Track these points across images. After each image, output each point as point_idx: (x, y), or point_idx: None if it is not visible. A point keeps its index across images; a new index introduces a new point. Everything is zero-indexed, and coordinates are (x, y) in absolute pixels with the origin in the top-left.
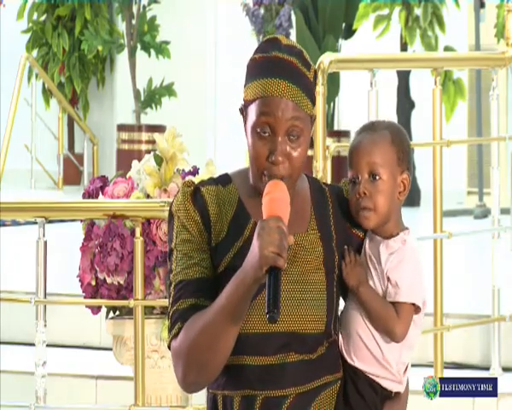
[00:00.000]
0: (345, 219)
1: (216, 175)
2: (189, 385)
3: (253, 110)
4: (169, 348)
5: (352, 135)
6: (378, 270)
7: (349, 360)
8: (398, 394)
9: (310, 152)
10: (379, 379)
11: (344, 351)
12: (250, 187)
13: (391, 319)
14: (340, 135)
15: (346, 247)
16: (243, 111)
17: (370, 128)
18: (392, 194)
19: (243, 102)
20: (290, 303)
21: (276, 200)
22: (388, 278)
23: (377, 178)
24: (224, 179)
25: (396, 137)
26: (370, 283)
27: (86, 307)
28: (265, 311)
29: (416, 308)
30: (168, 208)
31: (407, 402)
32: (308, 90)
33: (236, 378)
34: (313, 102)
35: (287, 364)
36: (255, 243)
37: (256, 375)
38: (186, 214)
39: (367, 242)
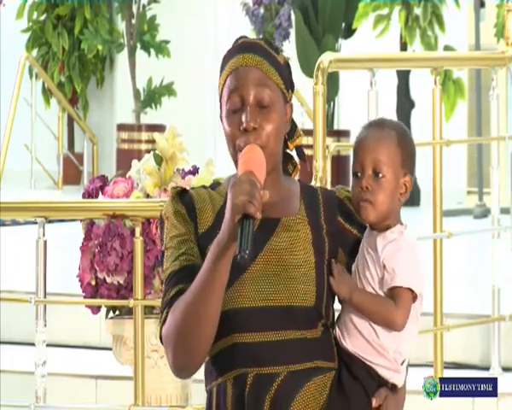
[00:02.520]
0: (336, 214)
1: (215, 174)
2: (179, 369)
3: (224, 94)
4: (160, 339)
5: (352, 135)
6: (375, 259)
7: (345, 345)
8: (395, 387)
9: (310, 152)
10: (376, 367)
11: (340, 339)
12: None
13: (389, 311)
14: (340, 135)
15: (332, 260)
16: (221, 117)
17: (378, 125)
18: (394, 194)
19: (219, 100)
20: (279, 279)
21: (251, 159)
22: (384, 266)
23: (380, 175)
24: (214, 185)
25: (402, 138)
26: (367, 273)
27: (86, 306)
28: (236, 253)
29: (414, 296)
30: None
31: (404, 401)
32: (276, 65)
33: (229, 360)
34: (286, 83)
35: (278, 341)
36: (228, 197)
37: (248, 353)
38: (173, 211)
39: (365, 237)
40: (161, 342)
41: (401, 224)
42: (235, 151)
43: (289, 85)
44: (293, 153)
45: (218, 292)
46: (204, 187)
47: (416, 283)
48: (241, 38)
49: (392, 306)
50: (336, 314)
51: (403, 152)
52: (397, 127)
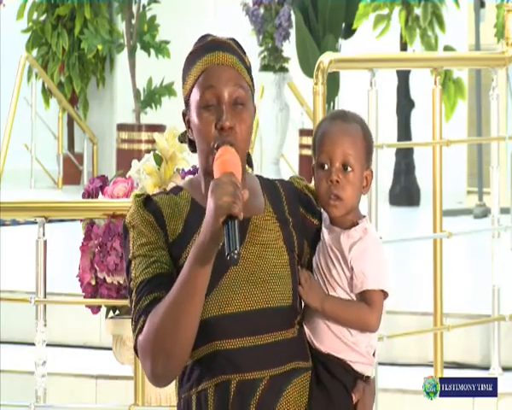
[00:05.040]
0: (298, 206)
1: None
2: (158, 378)
3: (195, 91)
4: (135, 349)
5: None
6: (341, 259)
7: (319, 347)
8: (368, 378)
9: (309, 151)
10: (350, 363)
11: (313, 340)
12: (202, 192)
13: (363, 314)
14: None
15: (299, 267)
16: (185, 114)
17: (343, 118)
18: (359, 187)
19: (184, 103)
20: (255, 281)
21: (228, 161)
22: (352, 269)
23: (349, 169)
24: (175, 189)
25: (366, 132)
26: (333, 272)
27: (86, 306)
28: (225, 254)
29: (385, 295)
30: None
31: (375, 390)
32: (247, 67)
33: (210, 367)
34: (253, 84)
35: (258, 346)
36: (209, 200)
37: (229, 360)
38: (140, 219)
39: (325, 232)
40: (136, 352)
41: (361, 216)
42: (208, 147)
43: (253, 89)
44: None
45: (199, 295)
46: (165, 192)
47: (386, 283)
48: (207, 35)
49: (365, 309)
50: None
51: (367, 146)
52: (360, 121)
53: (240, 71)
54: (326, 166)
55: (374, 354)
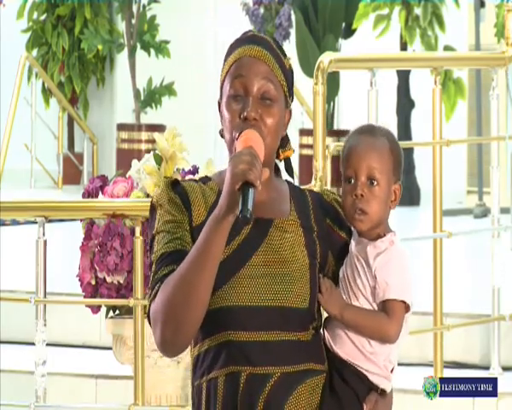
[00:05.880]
0: (324, 217)
1: None
2: (166, 345)
3: (227, 81)
4: (148, 315)
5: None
6: (366, 268)
7: (337, 352)
8: (384, 392)
9: (309, 151)
10: (366, 373)
11: (331, 344)
12: None
13: (382, 324)
14: (340, 134)
15: (320, 275)
16: (220, 103)
17: (370, 132)
18: (386, 201)
19: (220, 90)
20: (273, 278)
21: (250, 138)
22: (376, 277)
23: (375, 183)
24: (204, 179)
25: (393, 146)
26: (358, 281)
27: (86, 306)
28: (238, 214)
29: (406, 307)
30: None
31: (392, 405)
32: (282, 66)
33: (221, 357)
34: (288, 87)
35: (272, 342)
36: (227, 169)
37: (241, 351)
38: (167, 199)
39: (353, 244)
40: (148, 319)
41: (389, 230)
42: (231, 138)
43: (291, 91)
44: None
45: (212, 266)
46: (195, 181)
47: (408, 295)
48: (250, 31)
49: (384, 319)
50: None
51: (394, 159)
52: (388, 134)
53: (272, 67)
54: (352, 181)
55: (392, 371)
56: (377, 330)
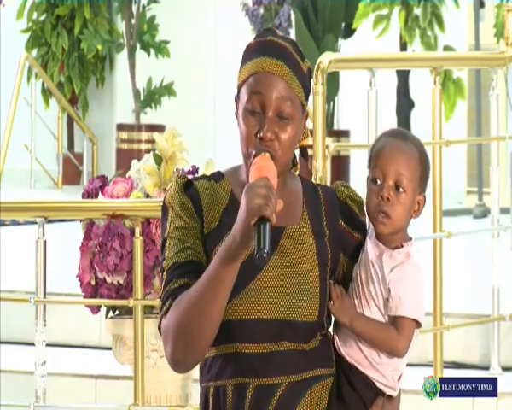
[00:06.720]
0: (337, 218)
1: None
2: (176, 363)
3: (244, 90)
4: (159, 329)
5: (352, 135)
6: (380, 278)
7: (345, 356)
8: (390, 397)
9: (310, 152)
10: (373, 380)
11: (340, 348)
12: (243, 181)
13: (391, 339)
14: (340, 134)
15: (331, 281)
16: (237, 100)
17: (402, 138)
18: (410, 210)
19: (237, 89)
20: (283, 291)
21: (264, 167)
22: (389, 291)
23: (401, 190)
24: (217, 176)
25: (423, 157)
26: (371, 287)
27: (86, 306)
28: (255, 253)
29: (417, 323)
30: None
31: (399, 406)
32: (300, 76)
33: (229, 367)
34: (306, 94)
35: (279, 352)
36: (242, 202)
37: (249, 363)
38: (180, 203)
39: (369, 246)
40: (160, 332)
41: (408, 238)
42: (247, 152)
43: (308, 94)
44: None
45: (223, 294)
46: (207, 177)
47: (420, 313)
48: (269, 30)
49: (394, 334)
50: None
51: (422, 170)
52: (419, 144)
53: (290, 82)
54: (378, 182)
55: (399, 378)
56: (386, 344)
